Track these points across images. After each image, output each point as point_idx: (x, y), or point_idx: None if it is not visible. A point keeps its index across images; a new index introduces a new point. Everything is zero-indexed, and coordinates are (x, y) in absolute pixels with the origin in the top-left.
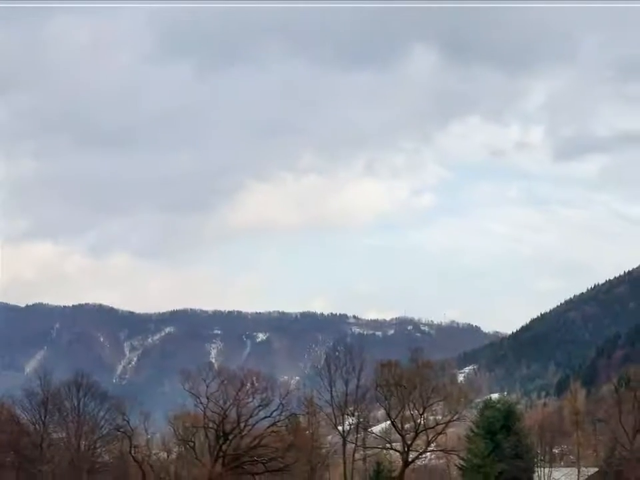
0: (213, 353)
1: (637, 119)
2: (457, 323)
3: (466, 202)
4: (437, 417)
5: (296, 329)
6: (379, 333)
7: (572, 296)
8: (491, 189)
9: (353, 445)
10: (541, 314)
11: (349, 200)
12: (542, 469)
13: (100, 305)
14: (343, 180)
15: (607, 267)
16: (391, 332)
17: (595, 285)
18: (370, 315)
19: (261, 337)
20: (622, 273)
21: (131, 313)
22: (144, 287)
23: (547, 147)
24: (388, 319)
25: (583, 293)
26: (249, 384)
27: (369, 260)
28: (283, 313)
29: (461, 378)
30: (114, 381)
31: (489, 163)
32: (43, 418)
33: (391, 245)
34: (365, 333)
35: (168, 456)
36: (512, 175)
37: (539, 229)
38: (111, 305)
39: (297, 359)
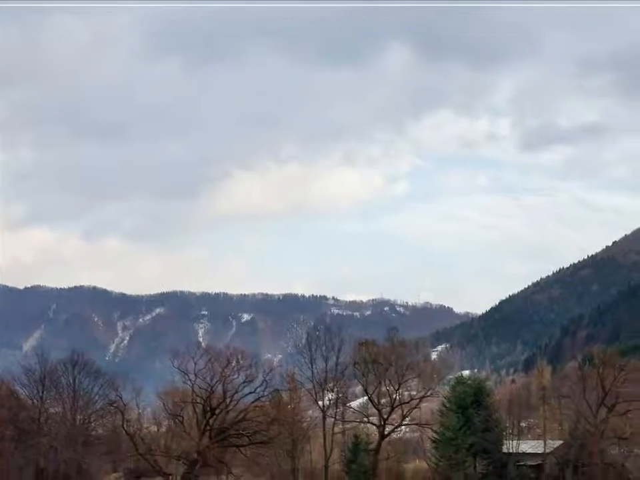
0: (201, 332)
1: (597, 112)
2: (431, 304)
3: (438, 189)
4: (412, 393)
5: (279, 309)
6: (356, 314)
7: (538, 279)
8: (461, 177)
9: (333, 419)
10: (509, 295)
11: (329, 188)
12: (510, 441)
13: (94, 287)
14: (323, 169)
15: (571, 251)
16: (368, 313)
17: (560, 269)
18: (348, 296)
19: (246, 317)
20: (585, 257)
21: (124, 295)
22: (136, 269)
23: (514, 138)
24: (365, 300)
25: (548, 276)
26: (234, 361)
27: (348, 244)
28: (267, 295)
29: (434, 356)
30: (107, 358)
31: (460, 153)
32: (40, 393)
33: (368, 231)
34: (344, 313)
35: (158, 429)
36: (481, 164)
37: (507, 215)
38: (104, 287)
39: (279, 338)
